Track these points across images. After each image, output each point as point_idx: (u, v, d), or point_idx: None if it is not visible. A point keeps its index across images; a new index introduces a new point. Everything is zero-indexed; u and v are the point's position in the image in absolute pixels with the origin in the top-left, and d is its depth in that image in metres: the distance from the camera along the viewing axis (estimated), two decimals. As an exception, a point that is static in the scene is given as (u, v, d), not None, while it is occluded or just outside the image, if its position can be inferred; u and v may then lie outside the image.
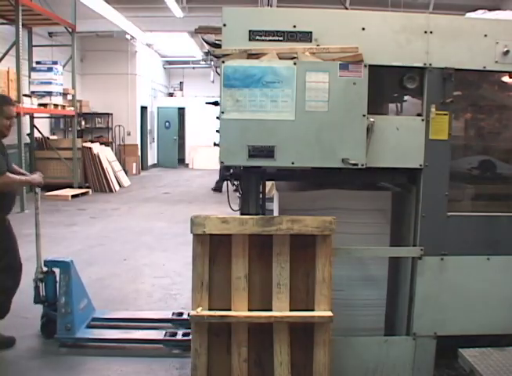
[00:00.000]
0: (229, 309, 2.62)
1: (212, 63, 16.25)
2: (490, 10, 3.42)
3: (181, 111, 18.47)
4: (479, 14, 3.33)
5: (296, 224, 2.60)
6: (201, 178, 14.39)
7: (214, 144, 3.02)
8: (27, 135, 10.64)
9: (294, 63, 2.58)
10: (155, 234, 7.17)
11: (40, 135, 11.36)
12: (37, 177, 3.64)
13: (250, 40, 2.67)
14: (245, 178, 2.89)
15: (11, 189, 3.55)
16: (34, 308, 3.74)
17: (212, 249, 2.65)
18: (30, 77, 10.22)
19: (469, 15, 3.30)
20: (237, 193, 3.38)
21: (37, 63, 10.60)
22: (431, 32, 2.73)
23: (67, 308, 3.52)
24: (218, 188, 11.59)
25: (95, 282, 4.04)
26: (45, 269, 3.64)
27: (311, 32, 2.68)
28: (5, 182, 3.41)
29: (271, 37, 2.67)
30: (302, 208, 2.95)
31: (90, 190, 11.25)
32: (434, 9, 9.69)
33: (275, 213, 3.32)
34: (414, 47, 2.74)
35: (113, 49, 14.86)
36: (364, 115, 2.62)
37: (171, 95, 19.76)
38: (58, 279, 3.64)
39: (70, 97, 11.32)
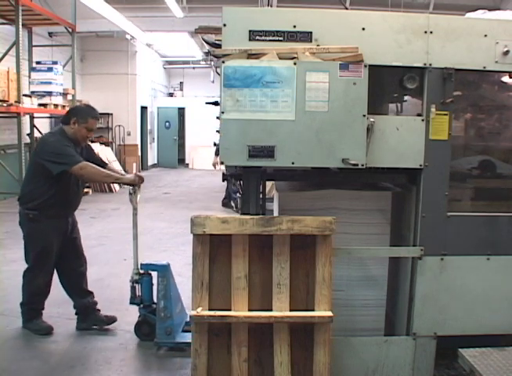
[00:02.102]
0: (229, 309, 2.62)
1: (212, 63, 16.23)
2: (490, 10, 3.42)
3: (181, 111, 18.47)
4: (479, 14, 3.33)
5: (296, 224, 2.60)
6: (201, 179, 14.39)
7: (214, 144, 3.02)
8: (27, 135, 10.63)
9: (294, 63, 2.58)
10: (155, 234, 7.16)
11: (40, 135, 11.35)
12: (130, 177, 3.64)
13: (250, 40, 2.67)
14: (245, 178, 2.89)
15: (98, 179, 3.65)
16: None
17: (212, 249, 2.65)
18: (30, 77, 10.20)
19: (469, 15, 3.30)
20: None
21: (37, 63, 10.59)
22: (431, 32, 2.73)
23: (166, 312, 3.48)
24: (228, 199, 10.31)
25: (95, 282, 4.04)
26: (141, 270, 3.64)
27: (311, 32, 2.68)
28: (89, 172, 3.45)
29: (271, 37, 2.67)
30: (302, 208, 2.95)
31: (90, 190, 11.24)
32: (434, 9, 9.70)
33: (275, 213, 3.32)
34: (414, 47, 2.74)
35: (113, 49, 14.86)
36: (364, 115, 2.62)
37: (171, 95, 19.76)
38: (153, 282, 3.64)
39: (70, 97, 11.31)
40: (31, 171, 3.66)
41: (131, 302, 3.67)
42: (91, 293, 3.92)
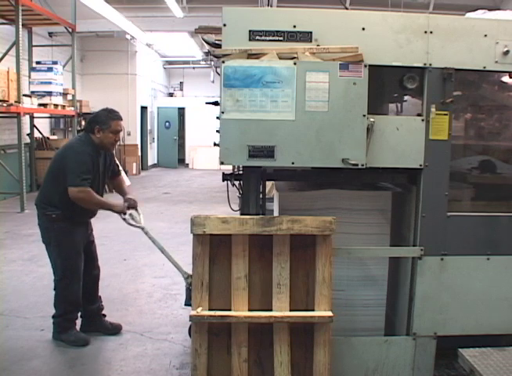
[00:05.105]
0: (229, 309, 2.62)
1: (212, 63, 16.24)
2: (490, 10, 3.42)
3: (181, 111, 18.46)
4: (479, 14, 3.33)
5: (296, 224, 2.60)
6: (201, 179, 14.39)
7: (214, 144, 3.01)
8: (27, 135, 10.64)
9: (294, 63, 2.58)
10: (155, 234, 7.08)
11: (40, 135, 11.36)
12: (120, 205, 3.58)
13: (250, 40, 2.67)
14: (245, 178, 2.89)
15: (88, 206, 3.50)
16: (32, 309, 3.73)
17: (212, 249, 2.65)
18: (30, 77, 10.21)
19: (469, 15, 3.30)
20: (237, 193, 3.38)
21: (37, 63, 10.60)
22: (431, 32, 2.73)
23: None
24: None
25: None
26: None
27: (311, 32, 2.68)
28: (83, 198, 3.40)
29: (271, 37, 2.67)
30: (302, 208, 2.96)
31: (90, 190, 11.21)
32: (434, 9, 9.71)
33: (276, 213, 3.32)
34: (414, 47, 2.74)
35: (113, 49, 14.85)
36: (364, 115, 2.62)
37: (171, 95, 19.75)
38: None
39: (70, 97, 11.32)
40: (53, 173, 3.54)
41: (186, 304, 3.52)
42: (100, 297, 3.89)
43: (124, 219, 3.60)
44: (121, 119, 3.62)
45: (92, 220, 3.89)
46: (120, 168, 4.09)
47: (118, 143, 14.29)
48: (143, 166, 16.49)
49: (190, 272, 3.40)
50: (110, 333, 3.79)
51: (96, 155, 3.55)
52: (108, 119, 3.53)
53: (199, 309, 2.61)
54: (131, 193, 3.84)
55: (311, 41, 2.68)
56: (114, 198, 3.74)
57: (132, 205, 3.69)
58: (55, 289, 3.61)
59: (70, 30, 11.08)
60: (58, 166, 3.50)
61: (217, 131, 2.70)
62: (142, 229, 3.64)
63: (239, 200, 4.24)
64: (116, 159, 3.97)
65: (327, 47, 2.66)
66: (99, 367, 3.33)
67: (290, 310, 2.61)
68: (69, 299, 3.59)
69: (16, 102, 8.64)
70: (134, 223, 3.63)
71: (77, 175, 3.37)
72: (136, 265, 5.67)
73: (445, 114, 2.78)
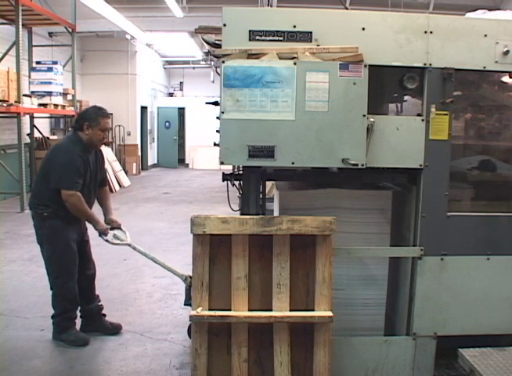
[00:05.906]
0: (229, 309, 2.62)
1: (212, 63, 16.23)
2: (490, 10, 3.42)
3: (181, 111, 18.45)
4: (479, 14, 3.33)
5: (296, 224, 2.60)
6: (201, 179, 14.39)
7: (214, 144, 3.02)
8: (27, 135, 10.63)
9: (294, 63, 2.58)
10: (155, 234, 7.16)
11: (40, 135, 11.35)
12: (103, 226, 3.59)
13: (250, 40, 2.67)
14: (245, 178, 2.89)
15: (75, 213, 3.48)
16: (31, 309, 3.73)
17: (212, 249, 2.65)
18: (30, 77, 10.21)
19: (469, 15, 3.30)
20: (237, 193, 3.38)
21: (37, 63, 10.59)
22: (431, 32, 2.73)
23: None
24: None
25: (95, 282, 4.05)
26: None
27: (311, 32, 2.68)
28: (73, 204, 3.41)
29: (271, 37, 2.67)
30: (303, 207, 2.96)
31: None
32: (434, 9, 9.71)
33: (276, 212, 3.32)
34: (414, 47, 2.74)
35: (113, 49, 14.85)
36: (364, 115, 2.63)
37: (171, 95, 19.75)
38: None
39: (70, 97, 11.32)
40: (43, 172, 3.56)
41: (185, 304, 3.53)
42: (98, 296, 3.89)
43: (107, 240, 3.62)
44: (109, 117, 3.65)
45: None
46: (109, 178, 4.08)
47: (118, 143, 14.11)
48: (143, 166, 16.49)
49: (187, 273, 3.43)
50: (110, 333, 3.79)
51: (86, 154, 3.55)
52: (97, 116, 3.54)
53: (199, 309, 2.61)
54: (112, 211, 3.85)
55: (311, 41, 2.68)
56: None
57: (116, 226, 3.73)
58: (51, 289, 3.61)
59: (70, 30, 11.08)
60: (47, 166, 3.51)
61: (217, 131, 2.70)
62: (129, 245, 3.64)
63: (239, 200, 4.24)
64: (106, 168, 3.98)
65: (327, 47, 2.66)
66: (99, 367, 3.33)
67: (290, 310, 2.61)
68: (67, 298, 3.59)
69: (16, 102, 8.63)
70: (118, 242, 3.65)
71: (69, 178, 3.39)
72: (136, 265, 5.66)
73: (445, 114, 2.78)
